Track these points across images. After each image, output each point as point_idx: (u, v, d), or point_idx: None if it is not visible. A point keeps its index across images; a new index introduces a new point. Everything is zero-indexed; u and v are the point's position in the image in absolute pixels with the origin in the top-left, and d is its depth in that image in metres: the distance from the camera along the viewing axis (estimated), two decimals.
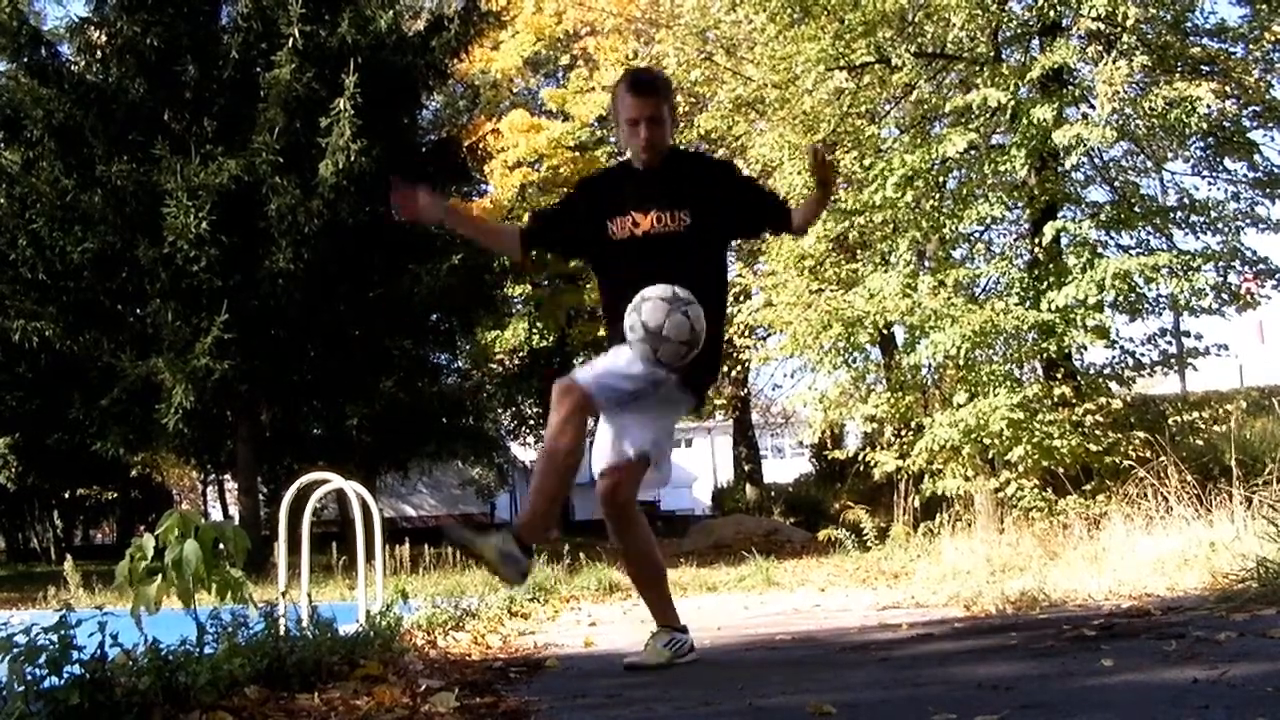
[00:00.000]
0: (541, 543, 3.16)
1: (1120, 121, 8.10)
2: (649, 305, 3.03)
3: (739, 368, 16.85)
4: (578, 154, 18.44)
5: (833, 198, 9.19)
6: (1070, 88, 8.43)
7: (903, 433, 9.01)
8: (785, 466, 28.89)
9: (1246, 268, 8.50)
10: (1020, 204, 9.13)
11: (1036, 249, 8.61)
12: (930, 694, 2.42)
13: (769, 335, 13.07)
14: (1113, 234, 8.87)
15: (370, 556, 5.17)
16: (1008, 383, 7.99)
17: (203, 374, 11.56)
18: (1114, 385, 8.69)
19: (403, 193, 3.49)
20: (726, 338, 12.73)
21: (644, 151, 3.28)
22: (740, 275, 11.43)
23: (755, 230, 3.83)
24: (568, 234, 3.50)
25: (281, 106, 11.97)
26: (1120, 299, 8.09)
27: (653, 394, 3.16)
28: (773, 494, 20.82)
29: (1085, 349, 8.63)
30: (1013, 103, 8.11)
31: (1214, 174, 9.22)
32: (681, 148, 3.65)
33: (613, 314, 3.35)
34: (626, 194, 3.32)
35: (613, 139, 19.26)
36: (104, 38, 13.05)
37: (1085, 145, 7.94)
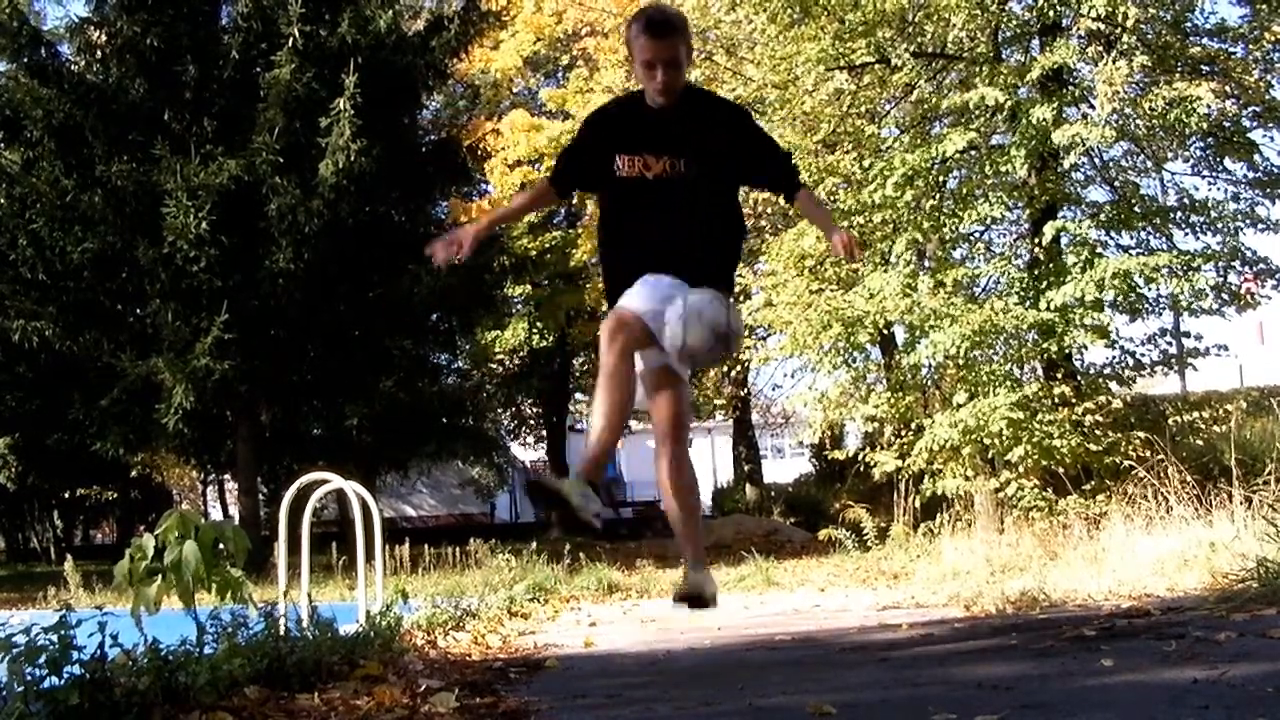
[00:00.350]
0: (600, 479, 3.05)
1: (1120, 121, 8.11)
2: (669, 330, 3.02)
3: (739, 368, 16.85)
4: None
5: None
6: (1070, 88, 8.43)
7: (903, 433, 9.01)
8: (785, 466, 28.88)
9: (1246, 268, 8.51)
10: (1020, 204, 9.14)
11: (1036, 249, 8.61)
12: (930, 694, 2.42)
13: (769, 335, 13.07)
14: (1113, 234, 8.88)
15: (370, 556, 5.17)
16: (1007, 382, 7.99)
17: (203, 374, 11.56)
18: (1114, 385, 8.69)
19: (440, 245, 3.37)
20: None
21: (660, 95, 3.21)
22: (740, 275, 11.43)
23: (757, 185, 3.77)
24: (590, 169, 3.38)
25: (281, 106, 11.97)
26: (1120, 299, 8.09)
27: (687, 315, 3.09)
28: (773, 494, 20.81)
29: (1085, 349, 8.63)
30: (1012, 103, 8.12)
31: (1214, 174, 9.23)
32: (696, 86, 3.56)
33: (609, 252, 3.36)
34: (640, 132, 3.25)
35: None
36: (104, 38, 13.04)
37: (1085, 145, 7.94)
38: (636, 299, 3.09)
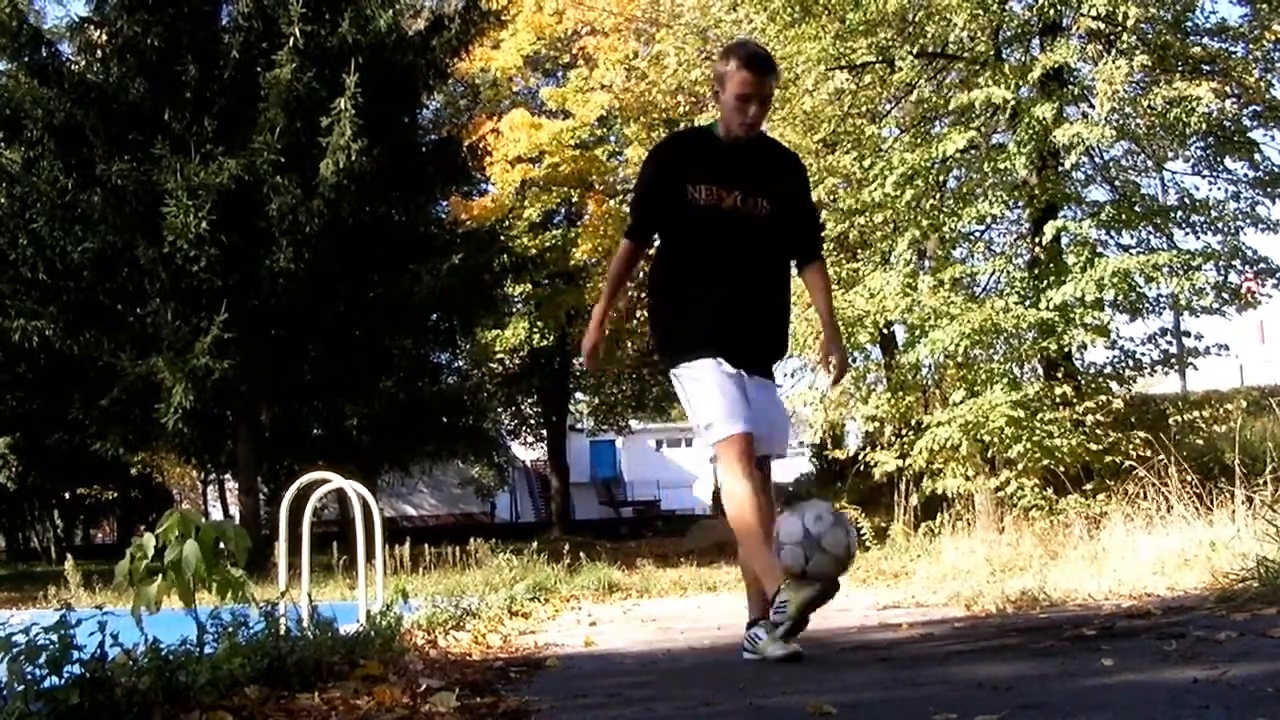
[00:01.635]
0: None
1: (1120, 121, 8.11)
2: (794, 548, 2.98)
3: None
4: (578, 152, 18.43)
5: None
6: (1070, 87, 8.43)
7: (903, 432, 9.01)
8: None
9: (1247, 267, 8.51)
10: (1020, 203, 9.13)
11: (1036, 248, 8.61)
12: (930, 694, 2.42)
13: None
14: (1113, 233, 8.87)
15: (370, 556, 5.17)
16: (1004, 380, 7.99)
17: (203, 374, 11.56)
18: (1114, 384, 8.69)
19: (590, 358, 3.52)
20: None
21: (745, 129, 3.24)
22: None
23: (789, 242, 3.60)
24: (666, 205, 3.34)
25: (282, 106, 11.97)
26: (1120, 298, 8.09)
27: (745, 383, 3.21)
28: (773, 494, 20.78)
29: (1085, 348, 8.63)
30: (1013, 102, 8.11)
31: (1214, 173, 9.22)
32: (767, 134, 3.61)
33: (690, 281, 3.29)
34: (711, 164, 3.28)
35: (613, 137, 19.25)
36: (104, 37, 13.05)
37: (1085, 144, 7.94)
38: (742, 417, 3.16)
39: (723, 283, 3.24)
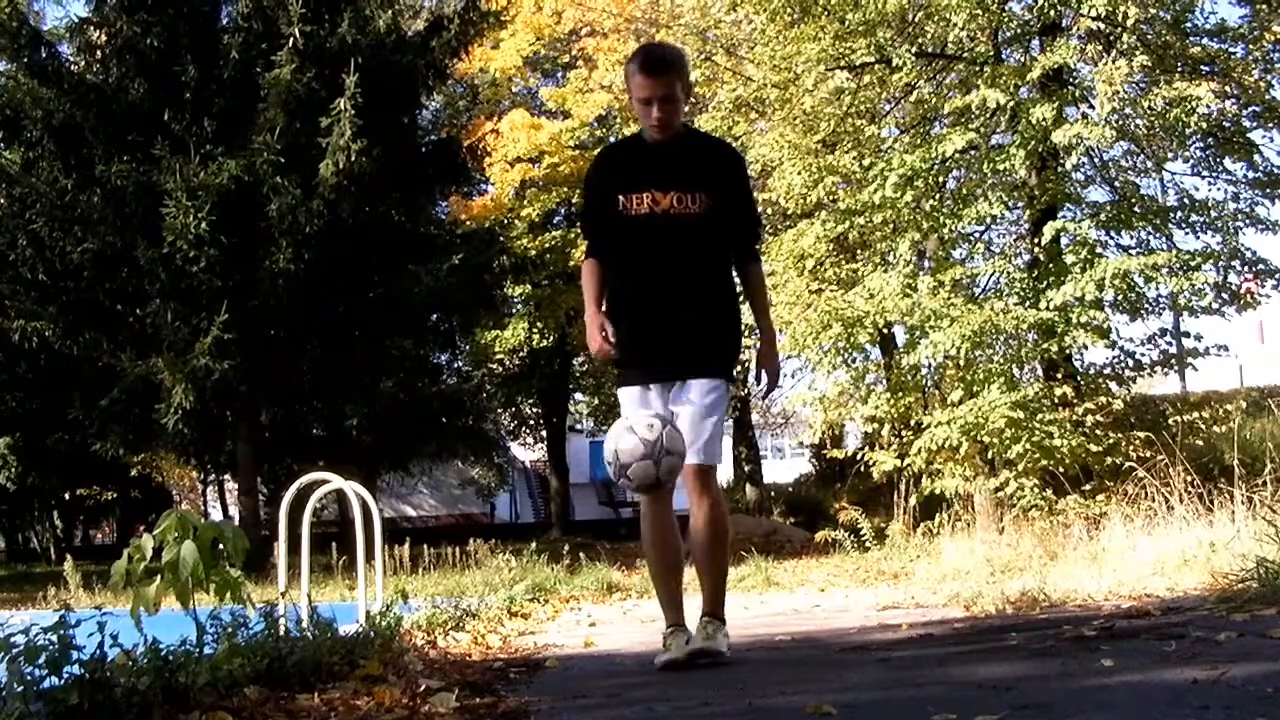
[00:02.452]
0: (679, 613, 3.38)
1: (1120, 121, 8.11)
2: (627, 447, 3.10)
3: (739, 368, 16.82)
4: (578, 152, 18.42)
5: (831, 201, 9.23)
6: (1070, 87, 8.43)
7: (902, 433, 9.01)
8: (785, 466, 28.88)
9: (1246, 268, 8.51)
10: (1020, 204, 9.14)
11: (1036, 249, 8.61)
12: (930, 694, 2.42)
13: None
14: (1113, 234, 8.88)
15: (370, 557, 5.17)
16: (1002, 380, 7.98)
17: (202, 374, 11.55)
18: (1114, 385, 8.69)
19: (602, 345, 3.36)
20: None
21: (657, 131, 3.26)
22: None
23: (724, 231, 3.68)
24: (611, 227, 3.37)
25: (281, 106, 11.96)
26: (1120, 299, 8.09)
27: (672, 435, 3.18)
28: (773, 494, 20.81)
29: (1085, 349, 8.64)
30: (1013, 103, 8.11)
31: (1214, 174, 9.23)
32: (698, 129, 3.63)
33: (623, 292, 3.36)
34: (642, 169, 3.29)
35: (613, 138, 19.24)
36: (104, 37, 13.04)
37: (1085, 145, 7.94)
38: (701, 447, 3.23)
39: (649, 293, 3.29)
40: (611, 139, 19.16)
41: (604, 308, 3.39)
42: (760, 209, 12.34)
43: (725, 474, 27.06)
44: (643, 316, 3.31)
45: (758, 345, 3.53)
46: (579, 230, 18.59)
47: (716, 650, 3.21)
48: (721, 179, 3.33)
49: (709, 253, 3.30)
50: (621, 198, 3.28)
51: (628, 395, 3.34)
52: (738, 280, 3.50)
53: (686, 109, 3.42)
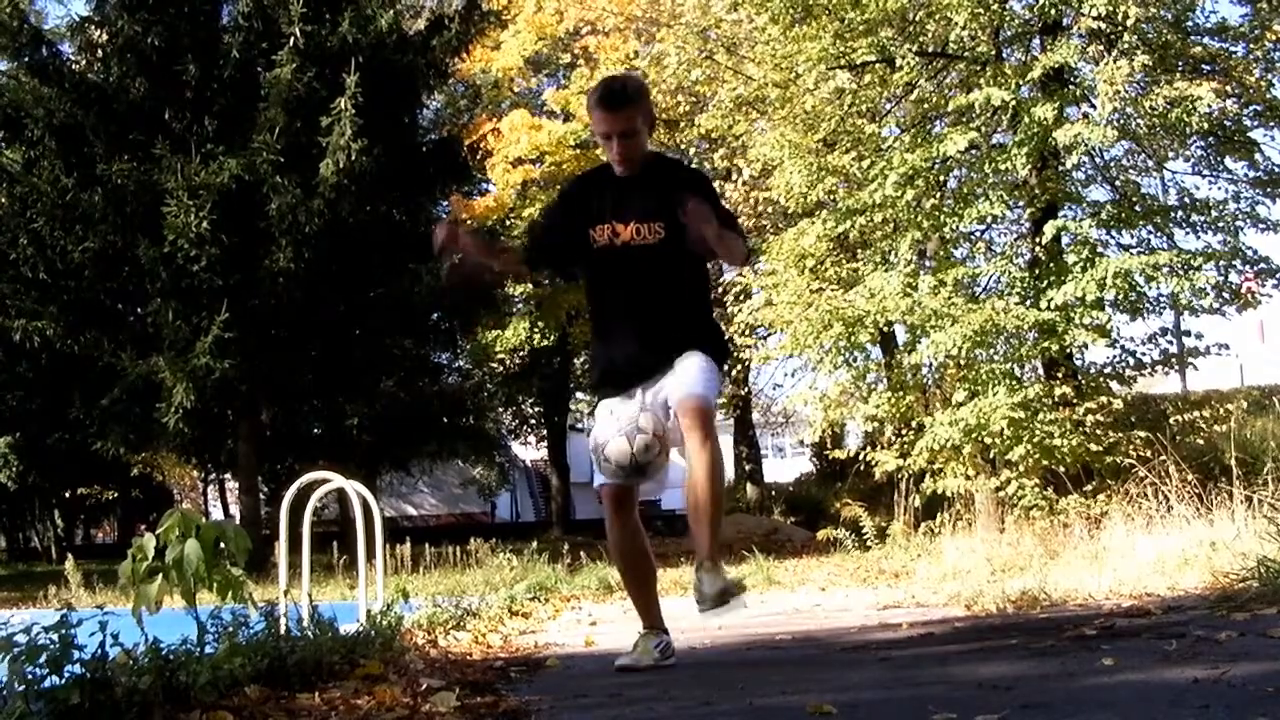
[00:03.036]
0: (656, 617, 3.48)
1: (1121, 121, 8.11)
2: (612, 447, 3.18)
3: (739, 367, 16.84)
4: (579, 152, 18.43)
5: (832, 196, 9.23)
6: (1071, 87, 8.43)
7: (903, 432, 9.01)
8: (786, 466, 28.88)
9: (1247, 267, 8.51)
10: (1021, 203, 9.13)
11: (1037, 248, 8.61)
12: (930, 694, 2.42)
13: (769, 335, 13.08)
14: (1113, 233, 8.87)
15: (371, 556, 5.17)
16: (1008, 381, 7.99)
17: (203, 373, 11.56)
18: (1114, 384, 8.69)
19: (449, 230, 3.41)
20: (727, 336, 12.77)
21: (618, 164, 3.29)
22: (740, 275, 11.42)
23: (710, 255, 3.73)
24: (559, 249, 3.49)
25: (282, 106, 11.96)
26: (1121, 298, 8.08)
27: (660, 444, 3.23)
28: (773, 493, 20.82)
29: (1086, 348, 8.63)
30: (1014, 102, 8.11)
31: (1214, 173, 9.22)
32: (662, 154, 3.63)
33: (597, 323, 3.48)
34: (607, 202, 3.31)
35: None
36: (105, 37, 13.04)
37: (1086, 144, 7.93)
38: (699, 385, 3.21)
39: (618, 322, 3.37)
40: None
41: (591, 338, 3.58)
42: (761, 208, 12.42)
43: (726, 474, 27.10)
44: (616, 345, 3.39)
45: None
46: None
47: (733, 590, 3.14)
48: (684, 198, 3.28)
49: (673, 280, 3.32)
50: (591, 230, 3.32)
51: (605, 405, 3.37)
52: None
53: (650, 137, 3.41)
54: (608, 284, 3.35)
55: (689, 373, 3.22)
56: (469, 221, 16.98)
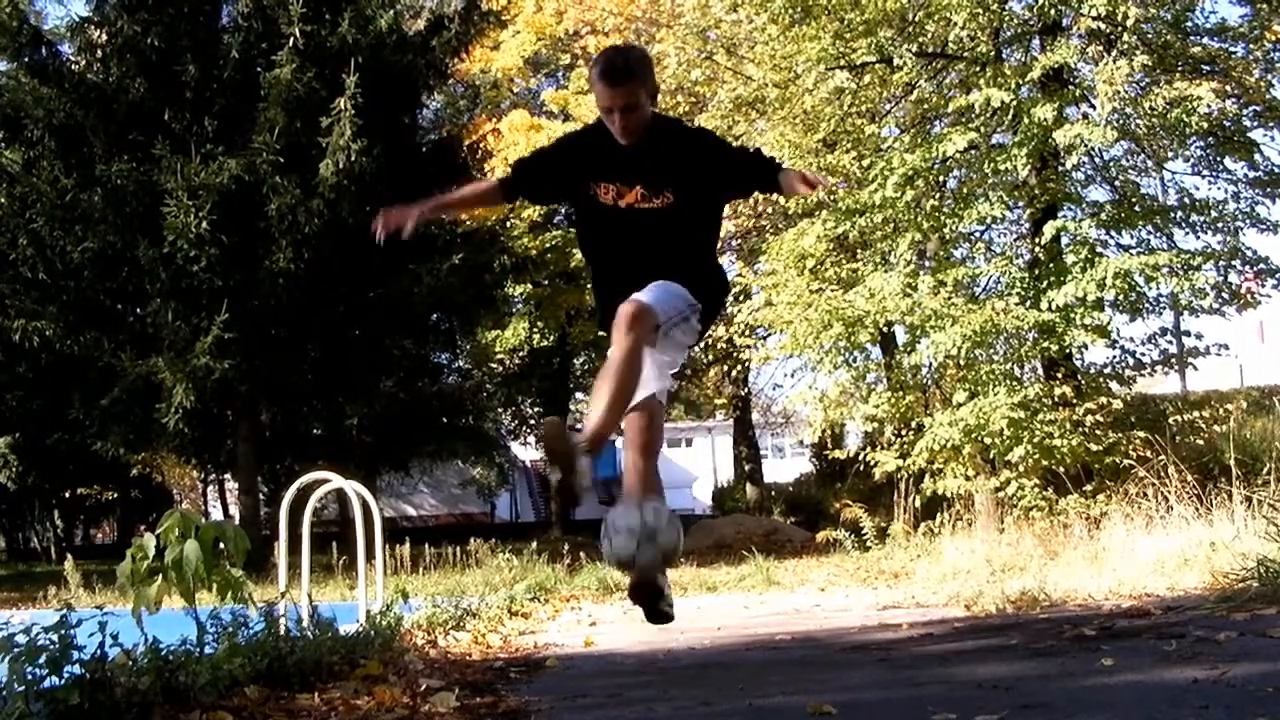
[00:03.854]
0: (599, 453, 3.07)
1: (1121, 121, 8.11)
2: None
3: (739, 367, 16.84)
4: None
5: (832, 197, 9.21)
6: (1071, 87, 8.43)
7: (903, 432, 9.01)
8: (785, 466, 28.86)
9: (1247, 267, 8.51)
10: (1020, 203, 9.13)
11: (1037, 248, 8.61)
12: (930, 694, 2.42)
13: (769, 335, 13.07)
14: (1113, 233, 8.87)
15: (370, 556, 5.17)
16: (1008, 382, 7.99)
17: (203, 374, 11.55)
18: (1114, 385, 8.69)
19: (385, 216, 3.39)
20: (727, 337, 12.77)
21: (622, 137, 3.23)
22: (740, 275, 11.42)
23: (745, 192, 3.74)
24: (549, 183, 3.45)
25: (282, 106, 11.96)
26: (1120, 298, 8.09)
27: (688, 320, 3.19)
28: (773, 494, 20.80)
29: (1085, 349, 8.63)
30: (1014, 102, 8.11)
31: (1214, 173, 9.23)
32: (663, 115, 3.59)
33: (596, 276, 3.44)
34: (612, 161, 3.27)
35: None
36: (104, 37, 13.03)
37: (1086, 145, 7.93)
38: (649, 294, 3.12)
39: (622, 284, 3.27)
40: None
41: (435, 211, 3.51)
42: (761, 208, 12.41)
43: (726, 473, 27.08)
44: (615, 299, 3.29)
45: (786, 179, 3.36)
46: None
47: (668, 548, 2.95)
48: (692, 165, 3.28)
49: (677, 245, 3.28)
50: (594, 184, 3.28)
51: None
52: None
53: (653, 109, 3.37)
54: (610, 245, 3.34)
55: (658, 286, 3.15)
56: (468, 222, 16.97)
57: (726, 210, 4.16)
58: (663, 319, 3.10)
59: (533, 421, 25.10)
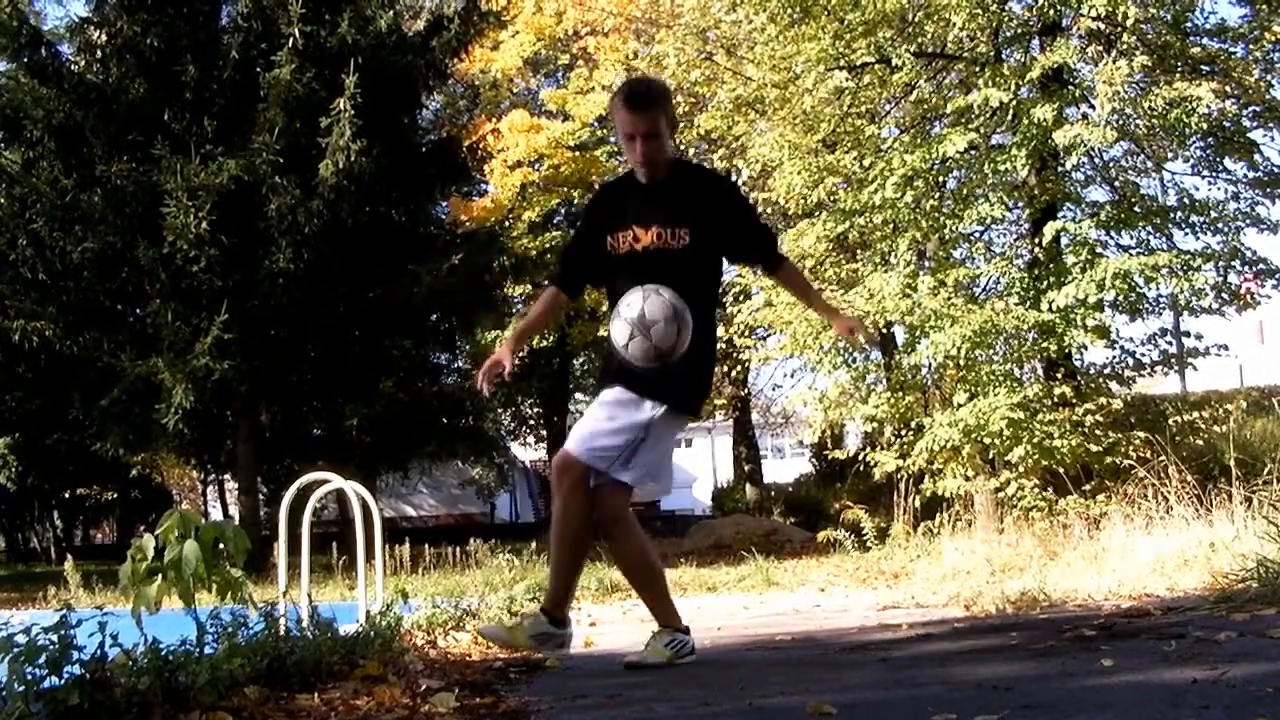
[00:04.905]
0: (566, 612, 3.42)
1: (1120, 121, 8.10)
2: (624, 302, 3.11)
3: (739, 368, 16.83)
4: (578, 153, 18.43)
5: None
6: (1070, 88, 8.43)
7: (903, 433, 9.01)
8: (785, 466, 28.88)
9: (1246, 268, 8.51)
10: (1020, 204, 9.14)
11: (1036, 249, 8.61)
12: (930, 694, 2.42)
13: (769, 335, 13.07)
14: (1113, 234, 8.87)
15: (370, 556, 5.17)
16: (1008, 382, 7.99)
17: (203, 374, 11.56)
18: (1114, 385, 8.69)
19: (484, 374, 3.45)
20: (727, 338, 12.77)
21: (641, 167, 3.27)
22: (740, 275, 11.43)
23: (744, 260, 3.92)
24: (593, 264, 3.44)
25: (281, 106, 11.97)
26: (1120, 299, 8.09)
27: (645, 437, 3.19)
28: (773, 494, 20.80)
29: (1085, 349, 8.63)
30: (1013, 103, 8.11)
31: (1214, 174, 9.23)
32: (686, 159, 3.63)
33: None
34: (629, 207, 3.30)
35: (613, 138, 19.26)
36: (104, 37, 13.05)
37: (1085, 145, 7.94)
38: (573, 440, 3.25)
39: None
40: (611, 139, 19.21)
41: (521, 342, 3.61)
42: (760, 209, 12.41)
43: (725, 474, 27.05)
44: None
45: (831, 322, 3.65)
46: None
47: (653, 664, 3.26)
48: (711, 210, 3.30)
49: (689, 287, 3.23)
50: (609, 237, 3.31)
51: (607, 394, 3.33)
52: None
53: (673, 142, 3.41)
54: (624, 289, 3.28)
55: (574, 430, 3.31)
56: (467, 222, 16.97)
57: None
58: (600, 464, 3.18)
59: (532, 422, 25.12)
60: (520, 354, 3.62)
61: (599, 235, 3.34)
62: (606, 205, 3.42)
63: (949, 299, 8.18)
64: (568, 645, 3.32)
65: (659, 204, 3.26)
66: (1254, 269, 8.53)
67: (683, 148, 15.51)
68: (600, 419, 3.22)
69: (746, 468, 21.29)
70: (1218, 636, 2.88)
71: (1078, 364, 8.76)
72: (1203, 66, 8.56)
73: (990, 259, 9.37)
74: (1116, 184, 9.56)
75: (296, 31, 12.02)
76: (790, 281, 3.66)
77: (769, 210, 10.77)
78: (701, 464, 30.90)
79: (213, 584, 3.01)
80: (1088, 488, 7.74)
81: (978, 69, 8.71)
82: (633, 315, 3.06)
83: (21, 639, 2.09)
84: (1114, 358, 8.87)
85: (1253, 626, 3.05)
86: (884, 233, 9.11)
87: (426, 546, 9.78)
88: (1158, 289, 8.23)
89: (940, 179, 9.13)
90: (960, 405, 8.01)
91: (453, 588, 7.13)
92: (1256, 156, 8.75)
